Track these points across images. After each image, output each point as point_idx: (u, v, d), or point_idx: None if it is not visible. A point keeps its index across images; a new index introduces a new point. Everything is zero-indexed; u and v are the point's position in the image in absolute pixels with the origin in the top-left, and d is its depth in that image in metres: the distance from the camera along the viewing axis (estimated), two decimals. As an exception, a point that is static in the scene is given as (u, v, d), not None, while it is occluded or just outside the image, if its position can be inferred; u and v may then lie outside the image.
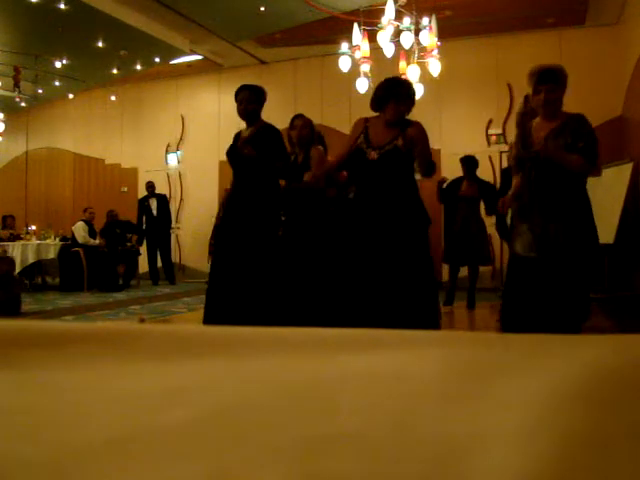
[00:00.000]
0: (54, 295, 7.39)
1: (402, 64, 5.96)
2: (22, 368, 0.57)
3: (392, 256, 3.13)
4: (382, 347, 0.64)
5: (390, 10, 5.29)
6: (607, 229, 5.78)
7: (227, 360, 0.61)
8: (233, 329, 0.72)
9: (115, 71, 8.86)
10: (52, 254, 8.20)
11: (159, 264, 8.90)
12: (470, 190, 5.45)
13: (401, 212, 3.19)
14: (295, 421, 0.42)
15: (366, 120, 3.35)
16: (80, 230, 8.15)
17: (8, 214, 9.36)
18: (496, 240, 6.69)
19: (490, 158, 7.81)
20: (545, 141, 2.92)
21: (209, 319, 3.67)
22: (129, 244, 8.55)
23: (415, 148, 3.20)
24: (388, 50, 5.49)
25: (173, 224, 9.38)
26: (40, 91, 9.49)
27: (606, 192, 6.15)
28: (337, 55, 6.17)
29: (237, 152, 3.72)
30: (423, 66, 5.78)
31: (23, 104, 9.57)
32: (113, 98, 9.99)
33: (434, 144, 6.60)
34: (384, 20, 5.37)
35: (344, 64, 5.97)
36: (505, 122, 7.75)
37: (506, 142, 7.43)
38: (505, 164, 6.25)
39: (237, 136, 3.88)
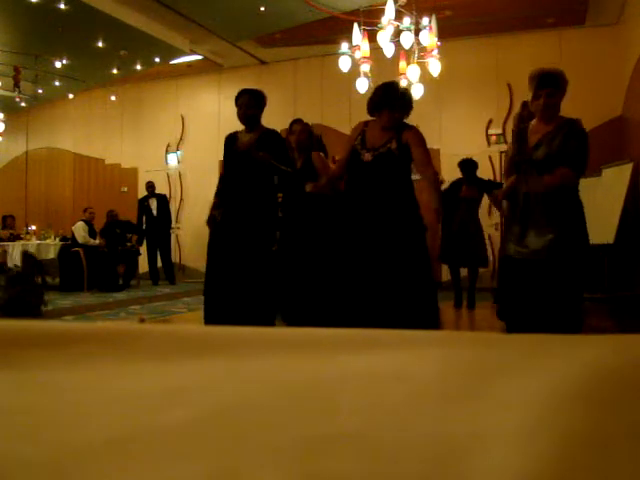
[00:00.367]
0: (54, 295, 7.38)
1: (402, 64, 5.96)
2: (22, 368, 0.57)
3: (384, 256, 3.14)
4: (382, 347, 0.64)
5: (390, 10, 5.29)
6: (607, 229, 5.79)
7: (227, 360, 0.61)
8: (233, 329, 0.72)
9: (115, 71, 8.86)
10: (52, 254, 8.20)
11: (159, 264, 8.90)
12: (470, 192, 5.47)
13: (394, 214, 3.19)
14: (295, 421, 0.42)
15: (365, 124, 3.39)
16: (80, 230, 8.15)
17: (8, 214, 9.37)
18: (496, 240, 6.70)
19: (490, 158, 7.82)
20: (537, 147, 2.94)
21: (209, 319, 3.67)
22: (129, 244, 8.55)
23: (411, 152, 3.22)
24: (388, 50, 5.49)
25: (173, 224, 9.38)
26: (40, 91, 9.49)
27: (606, 192, 6.16)
28: (337, 55, 6.16)
29: (240, 154, 3.70)
30: (423, 66, 5.78)
31: (23, 104, 9.57)
32: (113, 98, 9.99)
33: (434, 144, 6.58)
34: (384, 20, 5.37)
35: (344, 64, 5.97)
36: (505, 122, 7.75)
37: (506, 142, 7.43)
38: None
39: (232, 138, 3.85)
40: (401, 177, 3.26)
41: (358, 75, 5.86)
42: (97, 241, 8.25)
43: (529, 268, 2.94)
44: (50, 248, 8.25)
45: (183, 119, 9.84)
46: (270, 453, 0.36)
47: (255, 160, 3.66)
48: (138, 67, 8.77)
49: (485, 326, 4.68)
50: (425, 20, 5.65)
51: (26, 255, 5.99)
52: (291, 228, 4.12)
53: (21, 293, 5.11)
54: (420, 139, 3.26)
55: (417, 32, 5.65)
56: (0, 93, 9.26)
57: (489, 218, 7.33)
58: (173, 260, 9.22)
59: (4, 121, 9.92)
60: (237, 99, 3.78)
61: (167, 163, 9.90)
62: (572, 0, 6.87)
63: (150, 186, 8.97)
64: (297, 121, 4.38)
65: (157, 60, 8.55)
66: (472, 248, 5.42)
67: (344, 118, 7.79)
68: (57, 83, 9.13)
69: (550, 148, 2.91)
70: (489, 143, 8.00)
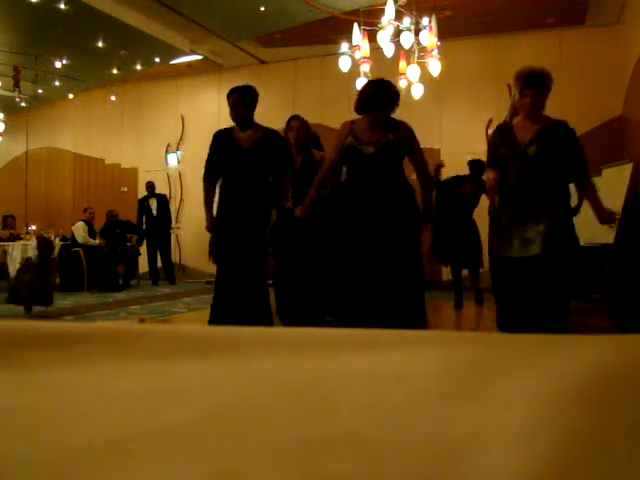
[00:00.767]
0: (54, 295, 7.37)
1: (402, 64, 5.96)
2: (22, 368, 0.57)
3: (384, 251, 3.17)
4: (382, 347, 0.64)
5: (390, 10, 5.29)
6: (607, 229, 5.78)
7: (227, 360, 0.61)
8: (233, 329, 0.72)
9: (115, 71, 8.86)
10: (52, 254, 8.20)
11: (159, 264, 8.90)
12: (474, 189, 5.49)
13: (396, 208, 3.25)
14: (295, 421, 0.42)
15: (352, 122, 3.41)
16: (80, 230, 8.15)
17: (8, 214, 9.37)
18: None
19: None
20: (530, 144, 3.00)
21: (215, 319, 3.67)
22: (129, 244, 8.55)
23: (406, 145, 3.31)
24: (388, 50, 5.49)
25: (173, 224, 9.38)
26: (40, 91, 9.49)
27: (606, 192, 6.15)
28: (337, 55, 6.16)
29: (243, 152, 3.65)
30: (423, 66, 5.78)
31: (23, 104, 9.57)
32: (113, 98, 9.99)
33: (434, 144, 6.57)
34: (384, 20, 5.37)
35: (344, 64, 5.97)
36: (505, 122, 7.75)
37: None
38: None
39: (224, 135, 3.75)
40: (400, 170, 3.34)
41: (358, 75, 5.86)
42: (97, 241, 8.25)
43: (525, 266, 2.96)
44: (50, 248, 8.24)
45: (183, 119, 9.84)
46: (270, 453, 0.36)
47: (258, 158, 3.62)
48: (138, 67, 8.77)
49: (485, 326, 4.68)
50: (425, 20, 5.65)
51: (42, 243, 5.94)
52: (289, 228, 4.13)
53: (36, 282, 5.13)
54: (411, 130, 3.37)
55: (417, 32, 5.65)
56: (0, 93, 9.26)
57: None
58: (173, 260, 9.22)
59: (4, 121, 9.92)
60: (228, 98, 3.70)
61: (167, 163, 9.90)
62: (572, 0, 6.86)
63: (150, 186, 8.97)
64: (295, 117, 4.37)
65: (157, 60, 8.55)
66: (470, 248, 5.45)
67: (344, 118, 7.75)
68: (57, 83, 9.13)
69: (541, 147, 2.98)
70: (489, 143, 7.99)
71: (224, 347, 0.65)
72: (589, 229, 5.30)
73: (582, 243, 4.17)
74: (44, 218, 10.31)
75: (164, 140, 9.88)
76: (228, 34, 7.84)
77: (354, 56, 5.86)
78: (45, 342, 0.62)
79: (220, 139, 3.75)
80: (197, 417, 0.43)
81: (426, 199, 3.44)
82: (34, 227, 9.18)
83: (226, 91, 3.79)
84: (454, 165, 5.94)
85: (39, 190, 11.11)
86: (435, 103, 7.72)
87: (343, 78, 6.52)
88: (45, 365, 0.58)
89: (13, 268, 7.91)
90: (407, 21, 5.51)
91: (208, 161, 3.78)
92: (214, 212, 3.77)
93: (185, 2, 6.84)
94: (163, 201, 9.03)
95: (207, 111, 9.47)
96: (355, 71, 5.92)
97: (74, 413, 0.45)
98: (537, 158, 2.96)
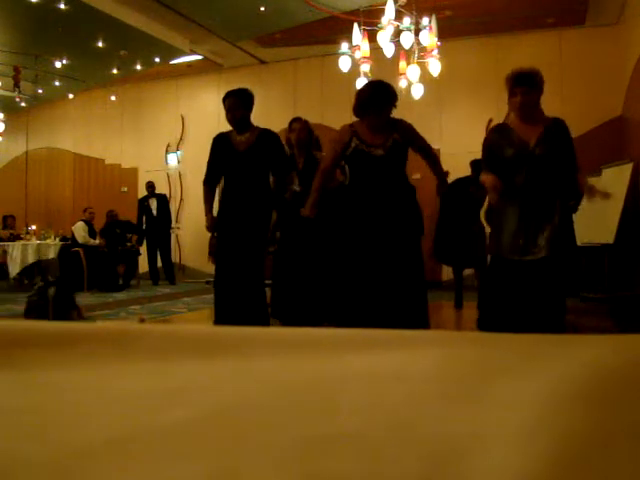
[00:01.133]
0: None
1: (402, 64, 5.96)
2: (23, 368, 0.57)
3: (394, 251, 3.19)
4: (382, 347, 0.64)
5: (390, 10, 5.29)
6: (607, 229, 5.79)
7: (227, 360, 0.61)
8: (233, 329, 0.72)
9: (115, 71, 8.86)
10: (52, 254, 8.20)
11: (159, 264, 8.90)
12: (479, 190, 5.49)
13: (403, 209, 3.28)
14: (295, 421, 0.42)
15: (351, 126, 3.39)
16: (80, 230, 8.15)
17: (8, 214, 9.36)
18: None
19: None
20: (537, 145, 3.01)
21: (218, 319, 3.69)
22: (129, 244, 8.55)
23: (411, 140, 3.36)
24: (388, 50, 5.48)
25: (173, 224, 9.37)
26: (40, 91, 9.49)
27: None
28: (337, 55, 6.16)
29: (240, 154, 3.68)
30: (423, 66, 5.77)
31: (23, 104, 9.57)
32: (113, 98, 9.99)
33: (434, 144, 6.57)
34: (384, 20, 5.37)
35: (344, 64, 5.97)
36: (505, 122, 7.75)
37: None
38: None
39: (223, 139, 3.78)
40: (405, 168, 3.38)
41: (358, 75, 5.86)
42: (97, 241, 8.25)
43: (529, 267, 2.96)
44: (50, 248, 8.25)
45: (183, 119, 9.84)
46: (270, 453, 0.36)
47: (256, 160, 3.65)
48: (138, 67, 8.76)
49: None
50: (425, 20, 5.64)
51: (64, 253, 5.80)
52: (291, 228, 4.13)
53: (56, 300, 4.94)
54: (410, 125, 3.41)
55: (417, 32, 5.65)
56: (0, 93, 9.25)
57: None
58: (173, 260, 9.22)
59: (4, 121, 9.91)
60: (224, 102, 3.72)
61: (167, 163, 9.90)
62: (572, 0, 6.86)
63: (150, 186, 8.97)
64: (296, 119, 4.39)
65: (157, 60, 8.54)
66: (478, 248, 5.45)
67: (344, 118, 7.75)
68: (57, 83, 9.13)
69: (548, 146, 2.99)
70: (489, 143, 7.99)
71: (224, 347, 0.65)
72: (589, 229, 5.30)
73: (582, 243, 4.18)
74: (44, 218, 10.31)
75: (164, 140, 9.88)
76: (228, 34, 7.84)
77: (354, 56, 5.85)
78: (45, 342, 0.62)
79: (218, 143, 3.81)
80: (197, 417, 0.43)
81: (438, 171, 3.52)
82: (34, 227, 9.18)
83: (226, 91, 3.79)
84: (454, 165, 5.93)
85: (39, 190, 11.11)
86: (435, 103, 7.73)
87: (343, 78, 6.52)
88: (45, 365, 0.58)
89: (13, 268, 7.92)
90: (407, 21, 5.51)
91: (208, 165, 3.86)
92: (214, 213, 3.82)
93: (185, 2, 6.84)
94: (163, 201, 9.03)
95: (207, 111, 9.47)
96: (355, 71, 5.92)
97: (74, 413, 0.45)
98: (545, 158, 2.98)
